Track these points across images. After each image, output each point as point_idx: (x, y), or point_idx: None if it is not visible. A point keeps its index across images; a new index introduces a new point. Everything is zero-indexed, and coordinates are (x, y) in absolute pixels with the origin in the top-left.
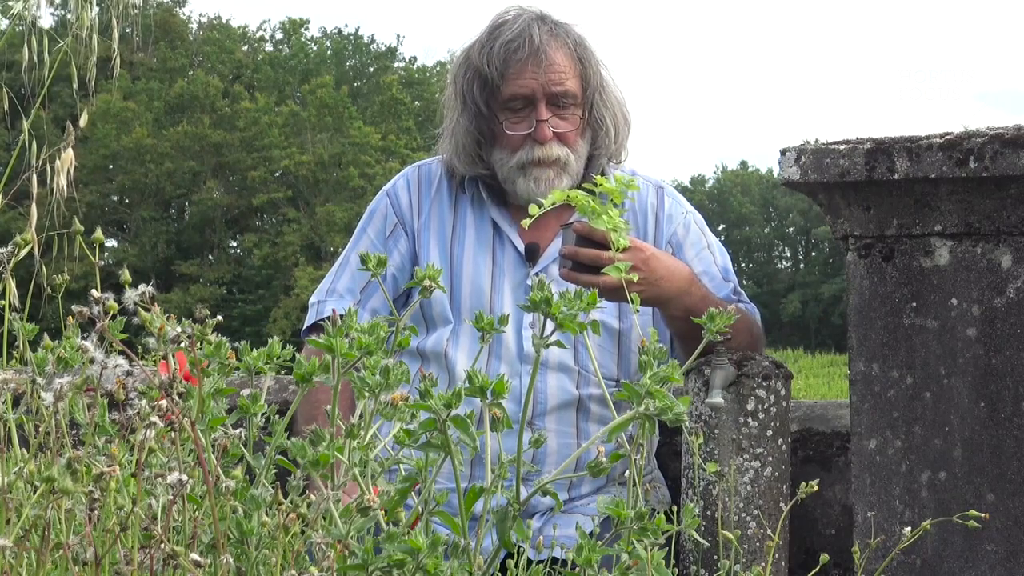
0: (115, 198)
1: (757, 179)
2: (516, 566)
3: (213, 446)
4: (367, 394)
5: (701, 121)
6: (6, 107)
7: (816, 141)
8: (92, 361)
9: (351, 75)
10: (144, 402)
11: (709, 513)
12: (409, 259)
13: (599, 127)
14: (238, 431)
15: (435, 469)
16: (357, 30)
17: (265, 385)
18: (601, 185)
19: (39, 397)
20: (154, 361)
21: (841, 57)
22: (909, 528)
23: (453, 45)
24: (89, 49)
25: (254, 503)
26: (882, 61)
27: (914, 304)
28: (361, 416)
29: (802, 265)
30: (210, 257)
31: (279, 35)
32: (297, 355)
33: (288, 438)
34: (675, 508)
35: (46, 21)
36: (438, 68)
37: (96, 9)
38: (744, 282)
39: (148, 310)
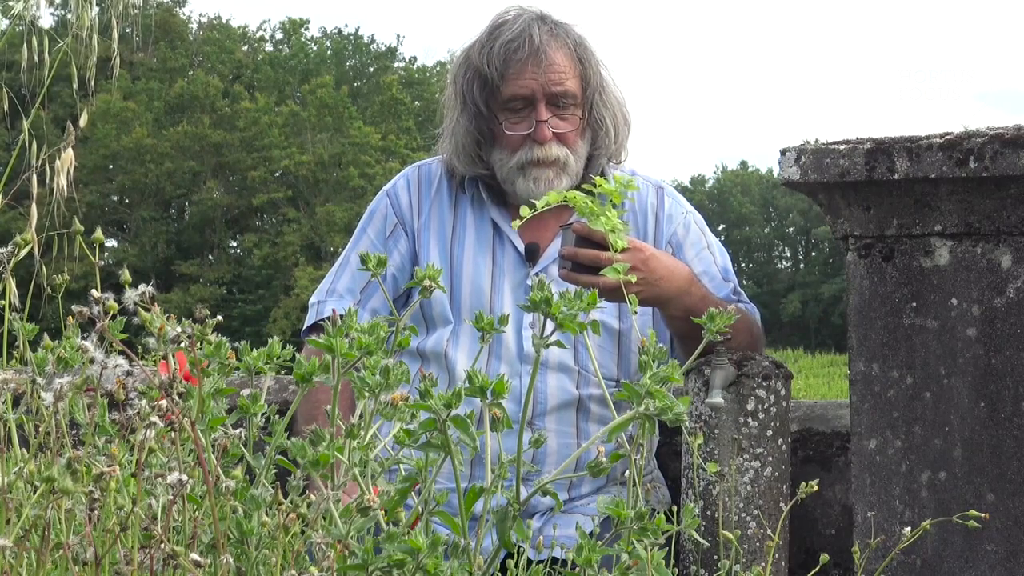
0: (115, 198)
1: (757, 179)
2: (516, 566)
3: (213, 446)
4: (367, 394)
5: (701, 121)
6: (6, 107)
7: (816, 141)
8: (92, 361)
9: (351, 75)
10: (144, 402)
11: (709, 513)
12: (409, 259)
13: (599, 127)
14: (238, 431)
15: (435, 469)
16: (357, 30)
17: (265, 385)
18: (600, 186)
19: (39, 397)
20: (154, 361)
21: (841, 57)
22: (909, 528)
23: (453, 45)
24: (89, 49)
25: (254, 503)
26: (882, 61)
27: (914, 304)
28: (361, 416)
29: (802, 265)
30: (210, 257)
31: (279, 35)
32: (297, 355)
33: (288, 438)
34: (675, 508)
35: (46, 21)
36: (438, 68)
37: (96, 9)
38: (744, 282)
39: (148, 310)
